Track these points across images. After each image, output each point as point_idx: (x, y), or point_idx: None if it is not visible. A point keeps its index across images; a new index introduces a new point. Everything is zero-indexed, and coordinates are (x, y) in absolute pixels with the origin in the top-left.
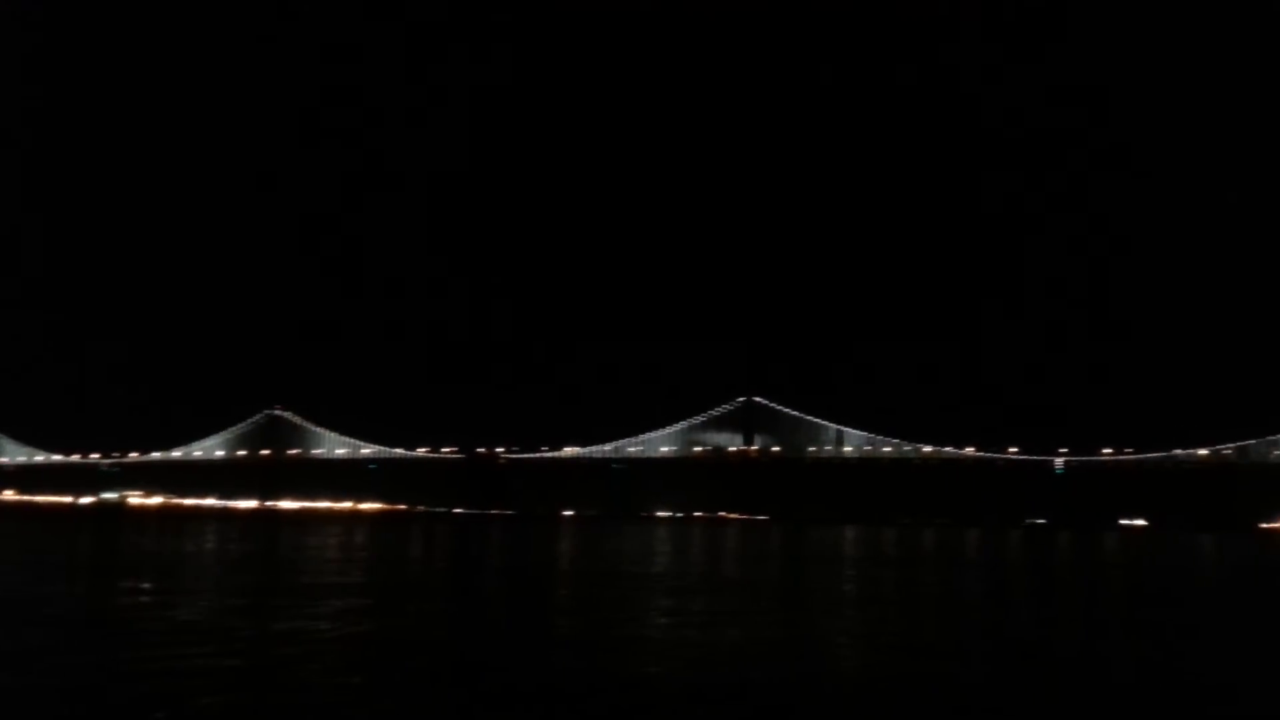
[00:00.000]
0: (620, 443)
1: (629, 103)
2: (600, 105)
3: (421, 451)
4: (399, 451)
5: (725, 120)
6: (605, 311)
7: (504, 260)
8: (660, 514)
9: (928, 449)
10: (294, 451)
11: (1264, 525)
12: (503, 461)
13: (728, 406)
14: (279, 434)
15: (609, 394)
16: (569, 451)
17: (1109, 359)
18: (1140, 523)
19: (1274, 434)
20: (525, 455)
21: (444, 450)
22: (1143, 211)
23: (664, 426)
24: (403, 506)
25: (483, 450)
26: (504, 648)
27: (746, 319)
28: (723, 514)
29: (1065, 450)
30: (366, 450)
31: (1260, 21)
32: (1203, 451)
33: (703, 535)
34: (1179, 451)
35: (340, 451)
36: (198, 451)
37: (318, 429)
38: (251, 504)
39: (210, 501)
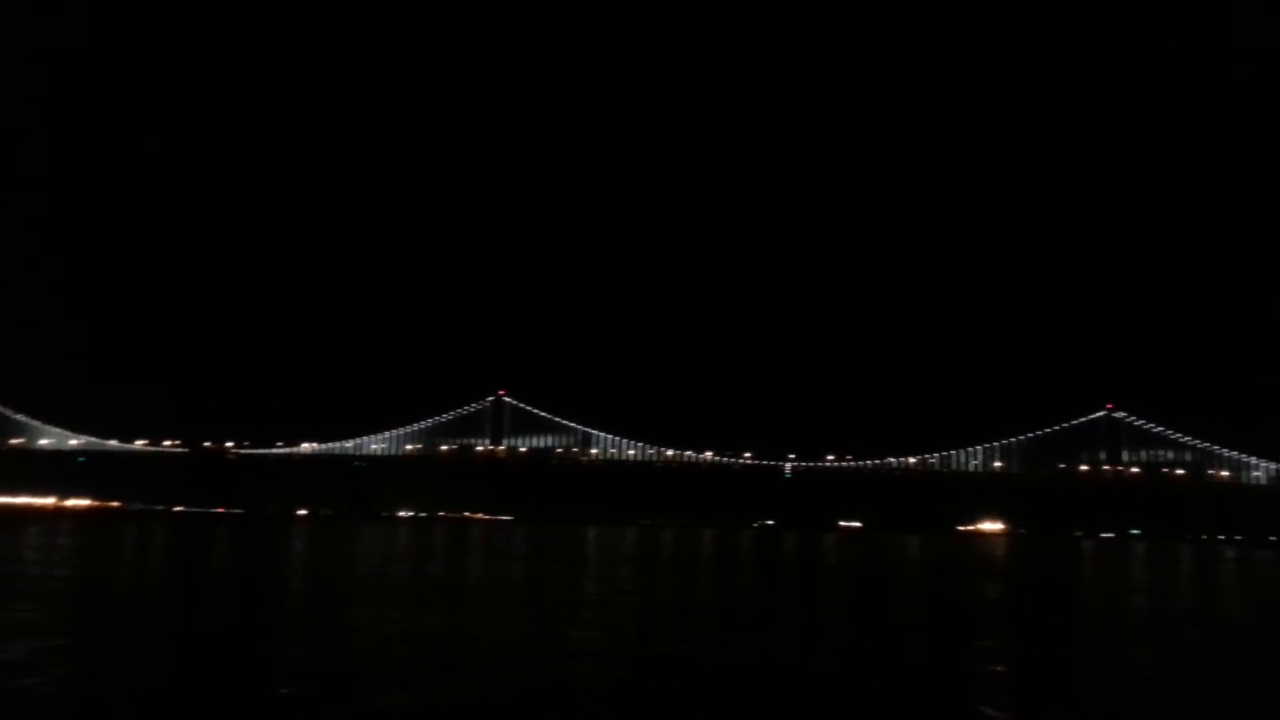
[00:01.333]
0: (362, 439)
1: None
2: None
3: (140, 444)
4: (113, 444)
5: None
6: (355, 306)
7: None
8: (403, 513)
9: (670, 453)
10: None
11: (961, 527)
12: (232, 457)
13: (476, 406)
14: None
15: (352, 389)
16: (306, 448)
17: (838, 376)
18: (856, 524)
19: (971, 446)
20: (258, 451)
21: (166, 444)
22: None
23: (410, 424)
24: (116, 503)
25: (210, 444)
26: (210, 672)
27: (498, 318)
28: (468, 514)
29: (794, 456)
30: (75, 441)
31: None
32: (912, 461)
33: (444, 535)
34: (892, 460)
35: (45, 442)
36: None
37: (18, 416)
38: None
39: None
